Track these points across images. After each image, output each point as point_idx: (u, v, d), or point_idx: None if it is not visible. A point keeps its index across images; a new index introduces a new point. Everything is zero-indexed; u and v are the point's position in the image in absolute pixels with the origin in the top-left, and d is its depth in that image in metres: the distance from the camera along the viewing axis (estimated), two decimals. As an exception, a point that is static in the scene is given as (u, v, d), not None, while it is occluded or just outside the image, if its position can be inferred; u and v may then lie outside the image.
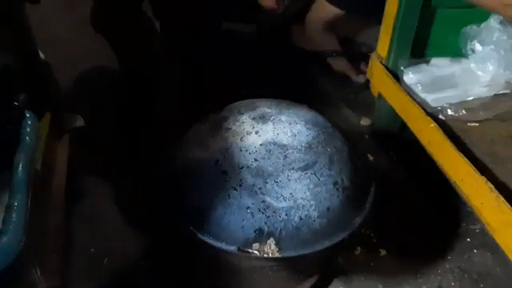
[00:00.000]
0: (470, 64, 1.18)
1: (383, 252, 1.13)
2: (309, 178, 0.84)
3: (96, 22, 1.43)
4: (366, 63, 1.42)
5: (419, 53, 1.25)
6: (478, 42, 1.16)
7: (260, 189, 0.82)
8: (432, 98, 1.13)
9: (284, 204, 0.82)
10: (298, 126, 0.90)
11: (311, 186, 0.84)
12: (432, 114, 1.11)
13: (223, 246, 0.83)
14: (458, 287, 1.08)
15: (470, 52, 1.18)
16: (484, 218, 0.94)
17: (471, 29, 1.17)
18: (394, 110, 1.24)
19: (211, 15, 1.51)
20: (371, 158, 1.33)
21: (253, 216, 0.82)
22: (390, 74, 1.24)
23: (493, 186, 0.92)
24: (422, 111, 1.12)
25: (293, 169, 0.84)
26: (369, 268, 1.10)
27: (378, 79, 1.29)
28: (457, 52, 1.20)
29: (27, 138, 0.80)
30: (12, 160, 0.75)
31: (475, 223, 1.18)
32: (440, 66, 1.21)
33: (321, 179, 0.85)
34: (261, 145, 0.86)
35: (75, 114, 1.23)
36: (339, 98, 1.55)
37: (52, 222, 1.02)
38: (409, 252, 1.14)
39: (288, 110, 0.93)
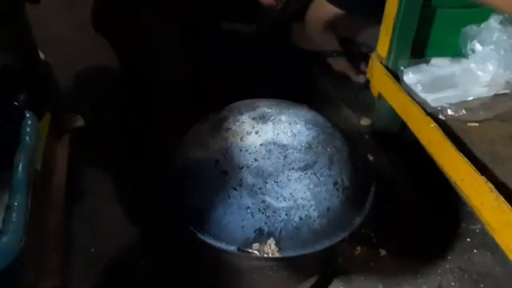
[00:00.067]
0: (470, 64, 1.18)
1: (383, 252, 1.13)
2: (309, 178, 0.84)
3: (97, 22, 1.43)
4: (366, 63, 1.42)
5: (419, 53, 1.25)
6: (478, 42, 1.16)
7: (260, 189, 0.82)
8: (432, 98, 1.13)
9: (284, 204, 0.82)
10: (297, 125, 0.90)
11: (311, 186, 0.84)
12: (432, 114, 1.11)
13: (223, 246, 0.83)
14: (458, 287, 1.08)
15: (470, 52, 1.18)
16: (484, 218, 0.94)
17: (471, 29, 1.17)
18: (394, 110, 1.24)
19: (211, 15, 1.51)
20: (371, 158, 1.33)
21: (253, 216, 0.82)
22: (389, 74, 1.24)
23: (493, 186, 0.92)
24: (422, 111, 1.12)
25: (293, 169, 0.84)
26: (369, 268, 1.10)
27: (378, 79, 1.29)
28: (457, 52, 1.20)
29: (27, 137, 0.80)
30: (12, 160, 0.75)
31: (475, 223, 1.18)
32: (440, 65, 1.21)
33: (321, 179, 0.85)
34: (261, 145, 0.86)
35: (75, 114, 1.23)
36: (339, 98, 1.55)
37: (52, 222, 1.02)
38: (409, 252, 1.14)
39: (288, 110, 0.93)
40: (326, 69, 1.64)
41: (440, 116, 1.12)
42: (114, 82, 1.54)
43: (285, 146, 0.86)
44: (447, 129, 1.08)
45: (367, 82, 1.38)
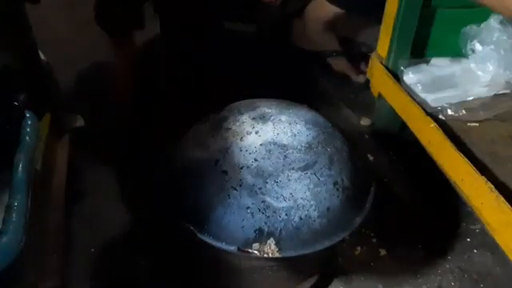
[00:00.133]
0: (470, 64, 1.18)
1: (383, 252, 1.13)
2: (309, 178, 0.84)
3: (100, 19, 1.42)
4: (366, 63, 1.42)
5: (419, 53, 1.25)
6: (478, 42, 1.16)
7: (260, 189, 0.82)
8: (432, 98, 1.13)
9: (284, 204, 0.82)
10: (297, 125, 0.90)
11: (311, 186, 0.84)
12: (432, 114, 1.11)
13: (223, 246, 0.83)
14: (458, 287, 1.08)
15: (470, 52, 1.18)
16: (484, 217, 0.94)
17: (471, 29, 1.17)
18: (394, 110, 1.24)
19: (211, 15, 1.50)
20: (371, 158, 1.33)
21: (253, 216, 0.82)
22: (389, 74, 1.24)
23: (493, 186, 0.92)
24: (422, 111, 1.12)
25: (293, 169, 0.84)
26: (369, 268, 1.10)
27: (378, 79, 1.29)
28: (457, 52, 1.20)
29: (27, 137, 0.80)
30: (12, 160, 0.75)
31: (475, 223, 1.18)
32: (440, 65, 1.21)
33: (321, 179, 0.85)
34: (261, 145, 0.86)
35: (75, 114, 1.23)
36: (339, 97, 1.55)
37: (52, 222, 1.02)
38: (409, 252, 1.14)
39: (288, 110, 0.93)
40: (326, 69, 1.63)
41: (440, 116, 1.11)
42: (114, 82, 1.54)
43: (285, 146, 0.86)
44: (447, 129, 1.08)
45: (367, 81, 1.38)
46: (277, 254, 0.82)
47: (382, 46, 1.26)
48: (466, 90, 1.16)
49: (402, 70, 1.20)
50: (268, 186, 0.83)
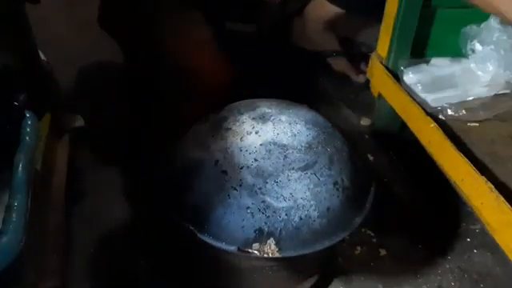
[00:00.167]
0: (470, 64, 1.18)
1: (383, 252, 1.13)
2: (309, 178, 0.84)
3: (103, 20, 1.42)
4: (366, 63, 1.42)
5: (419, 53, 1.25)
6: (478, 42, 1.16)
7: (260, 189, 0.82)
8: (432, 98, 1.13)
9: (284, 204, 0.82)
10: (298, 125, 0.90)
11: (311, 186, 0.84)
12: (432, 114, 1.11)
13: (223, 246, 0.83)
14: (458, 287, 1.08)
15: (470, 52, 1.18)
16: (484, 218, 0.94)
17: (471, 29, 1.17)
18: (394, 110, 1.24)
19: (211, 15, 1.50)
20: (371, 158, 1.33)
21: (253, 216, 0.82)
22: (389, 74, 1.24)
23: (493, 186, 0.92)
24: (422, 111, 1.12)
25: (293, 169, 0.84)
26: (369, 268, 1.10)
27: (378, 79, 1.29)
28: (457, 52, 1.20)
29: (27, 137, 0.80)
30: (12, 160, 0.75)
31: (475, 223, 1.18)
32: (440, 66, 1.21)
33: (321, 179, 0.85)
34: (261, 145, 0.86)
35: (75, 114, 1.23)
36: (339, 97, 1.55)
37: (52, 222, 1.02)
38: (409, 252, 1.14)
39: (288, 110, 0.93)
40: (326, 69, 1.63)
41: (440, 116, 1.11)
42: (114, 82, 1.54)
43: (285, 146, 0.86)
44: (447, 129, 1.08)
45: (367, 81, 1.38)
46: (277, 254, 0.82)
47: (382, 46, 1.26)
48: (466, 89, 1.16)
49: (402, 70, 1.20)
50: (268, 186, 0.83)
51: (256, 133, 0.87)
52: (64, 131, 1.20)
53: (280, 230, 0.82)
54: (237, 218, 0.82)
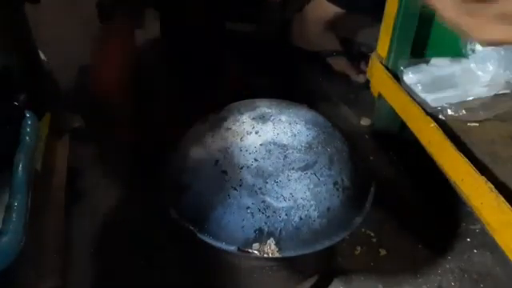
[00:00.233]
0: (470, 64, 1.18)
1: (383, 252, 1.13)
2: (309, 178, 0.84)
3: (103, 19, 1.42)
4: (366, 63, 1.42)
5: (419, 53, 1.25)
6: (478, 42, 1.16)
7: (260, 189, 0.82)
8: (432, 98, 1.13)
9: (284, 204, 0.82)
10: (297, 126, 0.90)
11: (311, 186, 0.84)
12: (432, 114, 1.11)
13: (223, 245, 0.83)
14: (458, 287, 1.08)
15: (470, 52, 1.18)
16: (484, 218, 0.94)
17: (471, 29, 1.17)
18: (394, 110, 1.24)
19: (212, 15, 1.50)
20: (371, 158, 1.33)
21: (253, 216, 0.82)
22: (389, 74, 1.24)
23: (493, 186, 0.92)
24: (422, 111, 1.12)
25: (293, 169, 0.84)
26: (369, 268, 1.10)
27: (378, 79, 1.29)
28: (457, 52, 1.20)
29: (27, 137, 0.80)
30: (12, 160, 0.75)
31: (475, 223, 1.18)
32: (440, 66, 1.21)
33: (321, 179, 0.85)
34: (261, 145, 0.86)
35: (75, 114, 1.23)
36: (339, 97, 1.55)
37: (52, 222, 1.02)
38: (409, 252, 1.14)
39: (288, 110, 0.93)
40: (325, 69, 1.64)
41: (440, 116, 1.11)
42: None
43: (285, 146, 0.86)
44: (447, 129, 1.08)
45: (367, 81, 1.38)
46: (277, 254, 0.82)
47: (382, 46, 1.26)
48: (466, 89, 1.16)
49: (402, 70, 1.20)
50: (268, 186, 0.83)
51: (256, 133, 0.87)
52: (64, 131, 1.20)
53: (280, 230, 0.82)
54: (237, 218, 0.82)
